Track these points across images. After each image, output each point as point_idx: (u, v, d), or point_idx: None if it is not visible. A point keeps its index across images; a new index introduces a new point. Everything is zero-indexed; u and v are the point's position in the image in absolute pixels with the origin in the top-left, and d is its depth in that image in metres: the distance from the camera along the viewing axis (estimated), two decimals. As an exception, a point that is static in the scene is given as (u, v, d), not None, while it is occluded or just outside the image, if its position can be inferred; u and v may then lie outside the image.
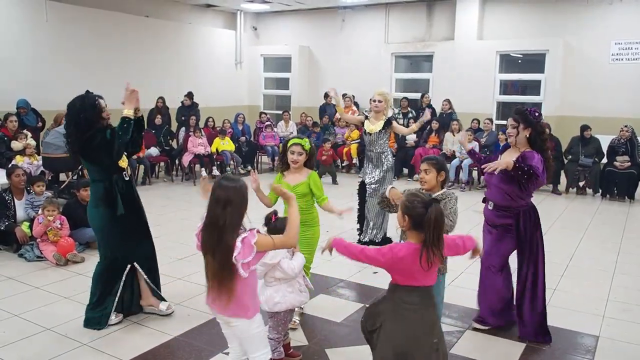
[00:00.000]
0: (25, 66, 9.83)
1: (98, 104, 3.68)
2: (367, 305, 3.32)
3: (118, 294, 3.75)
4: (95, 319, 3.72)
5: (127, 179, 3.78)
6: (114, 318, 3.76)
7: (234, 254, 2.37)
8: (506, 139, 8.68)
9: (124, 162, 3.73)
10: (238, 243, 2.38)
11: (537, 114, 3.58)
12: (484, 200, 3.82)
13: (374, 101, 5.64)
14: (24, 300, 4.19)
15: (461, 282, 4.68)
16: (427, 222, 2.34)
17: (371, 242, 5.65)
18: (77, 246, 5.35)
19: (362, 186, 5.88)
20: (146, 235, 3.93)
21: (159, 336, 3.61)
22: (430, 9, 12.77)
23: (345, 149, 10.73)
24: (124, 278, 3.77)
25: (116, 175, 3.68)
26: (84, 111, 3.62)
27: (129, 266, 3.79)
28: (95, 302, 3.75)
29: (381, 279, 4.73)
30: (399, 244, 2.52)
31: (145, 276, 3.87)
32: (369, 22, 13.47)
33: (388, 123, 5.69)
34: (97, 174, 3.70)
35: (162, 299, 3.98)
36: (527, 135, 3.54)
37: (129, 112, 3.63)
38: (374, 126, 5.69)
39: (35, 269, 4.95)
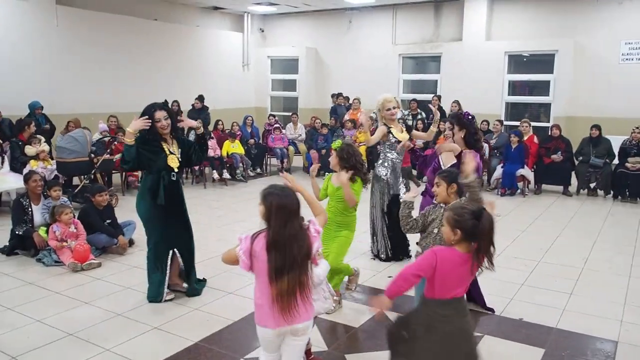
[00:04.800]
0: (36, 70, 9.90)
1: (153, 114, 4.12)
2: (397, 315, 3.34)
3: (168, 274, 4.30)
4: (155, 295, 4.29)
5: (174, 178, 4.21)
6: (165, 295, 4.30)
7: (315, 247, 2.44)
8: (519, 141, 8.77)
9: (173, 163, 4.19)
10: (313, 233, 2.46)
11: (470, 117, 4.18)
12: (424, 194, 4.32)
13: (389, 110, 5.20)
14: (45, 306, 4.23)
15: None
16: (481, 232, 2.37)
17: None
18: (94, 251, 5.39)
19: (393, 202, 5.29)
20: (185, 228, 4.40)
21: (179, 342, 3.65)
22: (437, 9, 12.77)
23: (354, 151, 10.72)
24: (169, 261, 4.29)
25: (164, 172, 4.15)
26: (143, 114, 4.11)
27: (171, 251, 4.30)
28: (151, 281, 4.32)
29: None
30: (441, 248, 2.54)
31: (180, 261, 4.38)
32: (376, 23, 13.47)
33: (408, 128, 5.52)
34: (149, 169, 4.21)
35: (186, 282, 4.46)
36: (462, 136, 4.09)
37: (127, 138, 4.05)
38: (402, 134, 5.33)
39: (54, 273, 4.99)
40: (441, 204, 3.36)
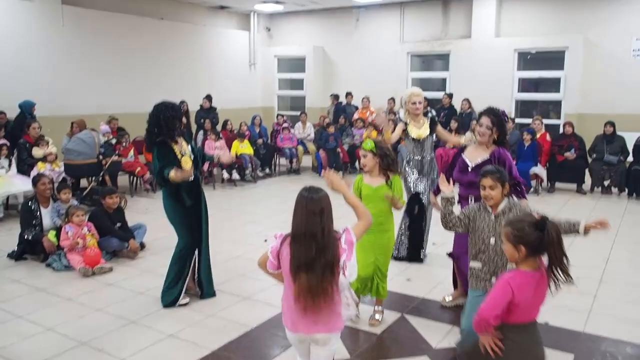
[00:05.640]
0: (42, 71, 9.81)
1: (178, 113, 4.12)
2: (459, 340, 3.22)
3: (188, 278, 4.25)
4: (171, 298, 4.21)
5: (191, 179, 4.12)
6: (181, 299, 4.22)
7: (342, 259, 2.33)
8: (531, 139, 8.53)
9: (187, 165, 4.10)
10: (343, 245, 2.35)
11: (506, 118, 3.93)
12: (460, 201, 3.92)
13: (414, 103, 5.10)
14: (55, 313, 4.13)
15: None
16: (550, 244, 2.18)
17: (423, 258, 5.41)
18: (104, 255, 5.29)
19: (413, 200, 5.20)
20: (201, 229, 4.30)
21: (196, 350, 3.53)
22: (446, 6, 12.62)
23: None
24: (191, 264, 4.26)
25: None
26: (164, 118, 4.03)
27: (196, 252, 4.27)
28: (170, 283, 4.23)
29: (415, 287, 4.65)
30: (512, 275, 2.31)
31: (196, 262, 4.31)
32: (383, 21, 13.33)
33: (433, 122, 5.21)
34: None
35: (199, 287, 4.38)
36: (496, 137, 3.79)
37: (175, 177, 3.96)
38: (420, 131, 5.18)
39: (64, 279, 4.89)
40: (488, 208, 3.04)
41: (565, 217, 2.87)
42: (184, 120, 4.31)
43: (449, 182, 4.10)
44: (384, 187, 3.70)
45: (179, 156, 4.11)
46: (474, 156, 3.84)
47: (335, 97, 12.55)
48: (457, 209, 3.30)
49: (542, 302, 2.39)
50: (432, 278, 4.93)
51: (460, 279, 4.17)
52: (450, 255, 4.18)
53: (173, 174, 3.90)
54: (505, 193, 3.00)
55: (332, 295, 2.35)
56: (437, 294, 4.50)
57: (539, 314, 2.40)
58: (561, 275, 2.23)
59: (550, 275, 2.19)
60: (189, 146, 4.30)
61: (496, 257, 3.04)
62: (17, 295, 4.49)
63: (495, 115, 3.77)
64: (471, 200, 3.71)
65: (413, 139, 5.23)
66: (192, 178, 4.14)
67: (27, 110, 8.50)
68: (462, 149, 4.03)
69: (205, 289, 4.38)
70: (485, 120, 3.77)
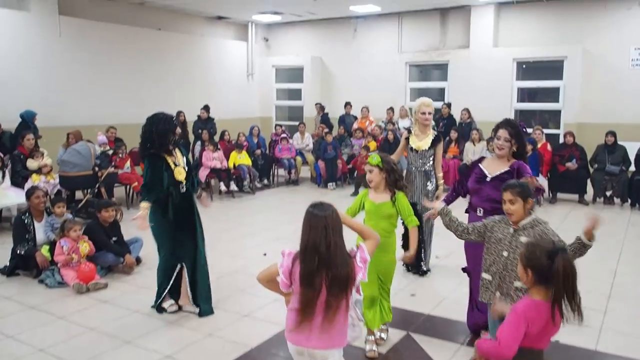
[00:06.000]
0: (38, 82, 9.70)
1: (171, 126, 4.11)
2: None
3: (169, 285, 4.23)
4: (155, 301, 4.29)
5: (183, 190, 4.12)
6: (167, 307, 4.25)
7: (358, 277, 2.29)
8: (532, 149, 8.40)
9: (181, 175, 4.10)
10: (359, 264, 2.31)
11: (525, 129, 3.82)
12: (468, 211, 3.79)
13: (423, 113, 5.03)
14: (48, 332, 3.97)
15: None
16: (556, 276, 2.06)
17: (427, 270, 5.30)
18: (99, 270, 5.14)
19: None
20: (194, 243, 4.21)
21: (194, 372, 3.39)
22: (444, 17, 12.59)
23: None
24: (174, 275, 4.20)
25: (172, 187, 4.07)
26: (157, 131, 4.03)
27: (179, 265, 4.20)
28: (158, 292, 4.28)
29: (420, 303, 4.52)
30: (524, 308, 2.20)
31: (187, 279, 4.22)
32: (381, 31, 13.30)
33: (437, 140, 5.11)
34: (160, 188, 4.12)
35: (195, 304, 4.25)
36: (515, 149, 3.62)
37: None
38: (421, 143, 5.11)
39: (58, 296, 4.74)
40: (509, 221, 2.93)
41: (577, 235, 2.76)
42: (179, 130, 4.22)
43: (460, 193, 3.98)
44: (388, 205, 3.51)
45: (172, 166, 4.08)
46: (492, 168, 3.66)
47: (321, 107, 12.52)
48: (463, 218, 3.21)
49: (554, 334, 2.27)
50: (437, 293, 4.80)
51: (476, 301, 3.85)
52: (464, 270, 3.97)
53: (145, 203, 3.97)
54: (529, 208, 2.86)
55: (336, 311, 2.31)
56: (443, 310, 4.37)
57: (548, 344, 2.28)
58: (568, 311, 2.11)
59: (555, 307, 2.08)
60: (184, 158, 4.24)
61: (505, 272, 2.92)
62: (7, 314, 4.34)
63: (513, 127, 3.61)
64: (479, 212, 3.58)
65: (412, 148, 5.20)
66: (184, 189, 4.13)
67: (29, 120, 8.49)
68: (479, 159, 3.87)
69: (201, 307, 4.24)
70: (503, 133, 3.60)
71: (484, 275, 3.04)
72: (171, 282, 4.21)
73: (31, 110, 8.65)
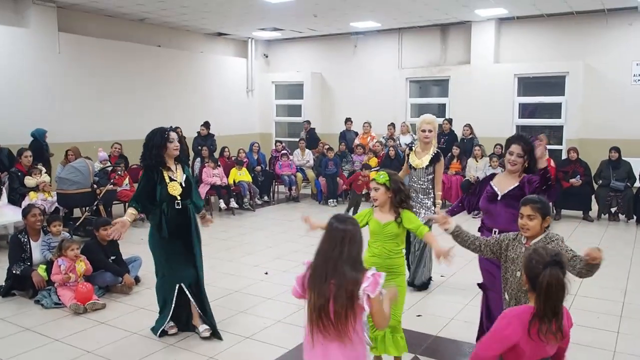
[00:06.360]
0: (37, 98, 9.63)
1: (166, 139, 4.01)
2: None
3: (171, 309, 4.06)
4: (157, 326, 4.13)
5: (178, 207, 4.00)
6: (167, 329, 4.10)
7: (363, 285, 2.18)
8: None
9: (175, 190, 3.99)
10: (369, 274, 2.21)
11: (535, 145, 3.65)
12: (481, 229, 3.65)
13: (423, 131, 5.00)
14: (43, 356, 3.84)
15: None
16: (539, 287, 1.98)
17: (423, 284, 5.22)
18: (97, 290, 5.01)
19: None
20: (192, 261, 4.08)
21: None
22: (444, 33, 12.61)
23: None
24: (174, 297, 4.03)
25: (166, 203, 3.97)
26: (152, 145, 3.98)
27: (177, 286, 4.03)
28: (159, 312, 4.18)
29: (427, 323, 4.39)
30: (515, 312, 2.14)
31: (192, 299, 4.07)
32: (381, 47, 13.31)
33: (436, 158, 5.03)
34: (155, 200, 4.04)
35: (205, 323, 4.11)
36: (527, 165, 3.51)
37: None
38: (419, 160, 5.07)
39: (54, 317, 4.59)
40: (522, 239, 2.83)
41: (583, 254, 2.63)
42: (177, 144, 4.09)
43: (467, 208, 3.89)
44: (392, 225, 3.34)
45: (167, 180, 3.99)
46: (503, 185, 3.54)
47: (308, 122, 12.51)
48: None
49: (552, 354, 2.16)
50: (443, 313, 4.67)
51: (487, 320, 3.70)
52: (480, 286, 3.74)
53: (131, 210, 3.95)
54: (546, 226, 2.75)
55: (346, 322, 2.20)
56: (450, 331, 4.25)
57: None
58: (548, 327, 2.01)
59: (535, 320, 2.00)
60: (185, 175, 4.10)
61: (520, 293, 2.80)
62: (3, 336, 4.20)
63: (527, 143, 3.49)
64: (495, 233, 3.45)
65: (410, 165, 5.16)
66: (179, 206, 4.02)
67: (40, 138, 8.57)
68: (490, 176, 3.76)
69: (215, 326, 4.13)
70: (516, 149, 3.48)
71: (504, 294, 2.95)
72: (173, 306, 4.05)
73: (41, 128, 8.70)
